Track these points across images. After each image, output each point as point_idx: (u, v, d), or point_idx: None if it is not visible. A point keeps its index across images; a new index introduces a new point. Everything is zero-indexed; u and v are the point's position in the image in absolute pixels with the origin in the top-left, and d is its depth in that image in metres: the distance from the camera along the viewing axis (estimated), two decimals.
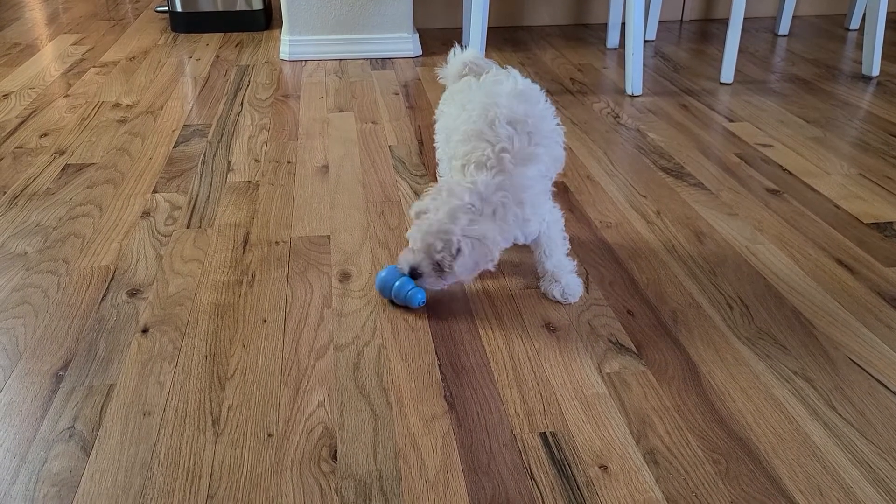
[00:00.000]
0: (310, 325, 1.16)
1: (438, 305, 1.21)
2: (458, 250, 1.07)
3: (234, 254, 1.36)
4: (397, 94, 2.23)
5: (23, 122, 2.00)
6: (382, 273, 1.20)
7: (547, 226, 1.18)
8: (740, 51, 2.56)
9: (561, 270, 1.20)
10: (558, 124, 1.19)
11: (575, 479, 0.88)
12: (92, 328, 1.15)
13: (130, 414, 0.98)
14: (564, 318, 1.17)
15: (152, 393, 1.02)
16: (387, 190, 1.61)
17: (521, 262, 1.33)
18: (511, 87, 1.16)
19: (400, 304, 1.19)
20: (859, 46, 2.68)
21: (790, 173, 1.68)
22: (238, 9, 2.93)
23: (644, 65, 2.46)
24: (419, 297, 1.17)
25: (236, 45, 2.77)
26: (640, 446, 0.93)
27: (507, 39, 2.82)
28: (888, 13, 3.08)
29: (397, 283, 1.17)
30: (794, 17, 3.03)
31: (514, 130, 1.11)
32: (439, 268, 1.10)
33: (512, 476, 0.89)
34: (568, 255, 1.22)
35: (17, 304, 1.21)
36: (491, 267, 1.12)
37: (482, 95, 1.16)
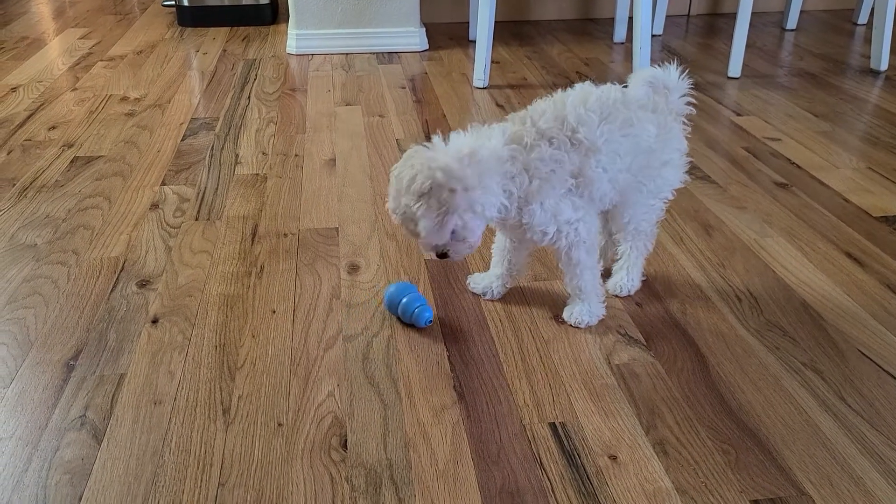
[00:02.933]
0: (319, 316, 1.16)
1: (447, 297, 1.21)
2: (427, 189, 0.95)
3: (243, 245, 1.36)
4: (404, 88, 2.23)
5: (31, 116, 2.01)
6: (391, 288, 1.15)
7: (567, 241, 1.06)
8: (748, 45, 2.55)
9: (580, 295, 1.13)
10: (617, 155, 1.05)
11: (584, 469, 0.88)
12: (102, 318, 1.16)
13: (141, 403, 0.99)
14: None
15: (163, 382, 1.02)
16: None
17: (530, 254, 1.32)
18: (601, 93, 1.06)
19: (407, 324, 1.14)
20: (867, 41, 2.67)
21: (798, 167, 1.68)
22: (245, 3, 2.93)
23: (651, 59, 2.46)
24: (426, 316, 1.12)
25: (243, 40, 2.77)
26: (649, 437, 0.93)
27: (513, 34, 2.82)
28: None
29: (404, 300, 1.12)
30: (801, 11, 3.02)
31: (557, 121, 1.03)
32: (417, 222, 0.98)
33: (522, 466, 0.89)
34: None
35: (28, 294, 1.22)
36: (470, 240, 1.01)
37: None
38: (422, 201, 0.96)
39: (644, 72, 1.12)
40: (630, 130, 1.05)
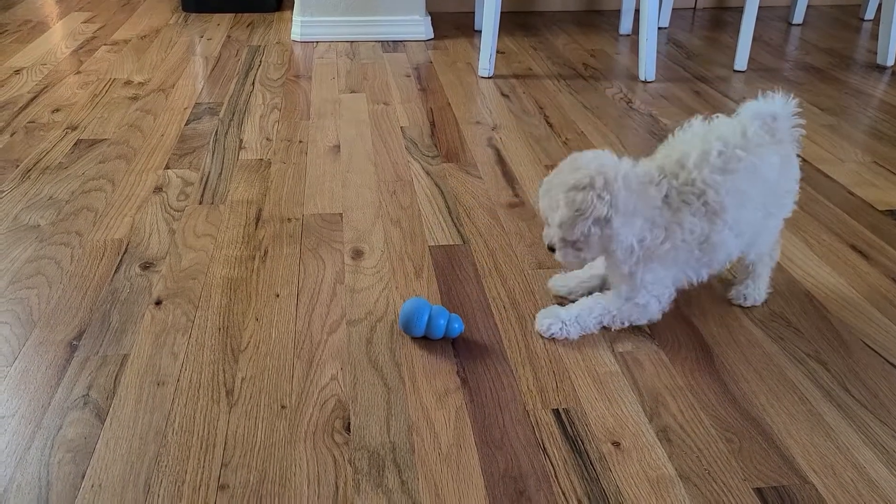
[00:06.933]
0: (322, 301, 1.16)
1: (451, 284, 1.21)
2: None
3: (247, 230, 1.36)
4: (409, 76, 2.22)
5: (35, 98, 2.00)
6: (407, 305, 1.06)
7: (643, 303, 1.06)
8: (754, 39, 2.54)
9: (579, 313, 1.09)
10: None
11: (588, 455, 0.88)
12: (105, 299, 1.16)
13: (144, 383, 0.99)
14: (577, 298, 1.17)
15: (166, 363, 1.02)
16: (399, 170, 1.61)
17: (534, 243, 1.32)
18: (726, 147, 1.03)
19: (434, 339, 1.07)
20: (874, 37, 2.66)
21: (804, 160, 1.67)
22: None
23: (657, 51, 2.45)
24: (456, 327, 1.06)
25: (248, 26, 2.76)
26: (652, 424, 0.93)
27: (519, 24, 2.80)
28: None
29: (433, 312, 1.05)
30: (808, 6, 3.01)
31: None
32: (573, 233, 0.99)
33: (525, 451, 0.89)
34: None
35: (31, 274, 1.22)
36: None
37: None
38: (570, 194, 0.98)
39: (751, 106, 1.08)
40: (755, 175, 1.03)
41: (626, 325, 1.09)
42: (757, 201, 1.05)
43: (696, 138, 1.05)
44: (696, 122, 1.08)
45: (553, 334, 1.08)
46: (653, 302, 1.07)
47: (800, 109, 1.09)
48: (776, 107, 1.07)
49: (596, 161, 1.00)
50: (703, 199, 1.02)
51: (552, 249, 1.05)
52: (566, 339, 1.08)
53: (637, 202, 0.99)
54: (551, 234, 1.03)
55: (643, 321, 1.09)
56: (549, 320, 1.08)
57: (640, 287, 1.05)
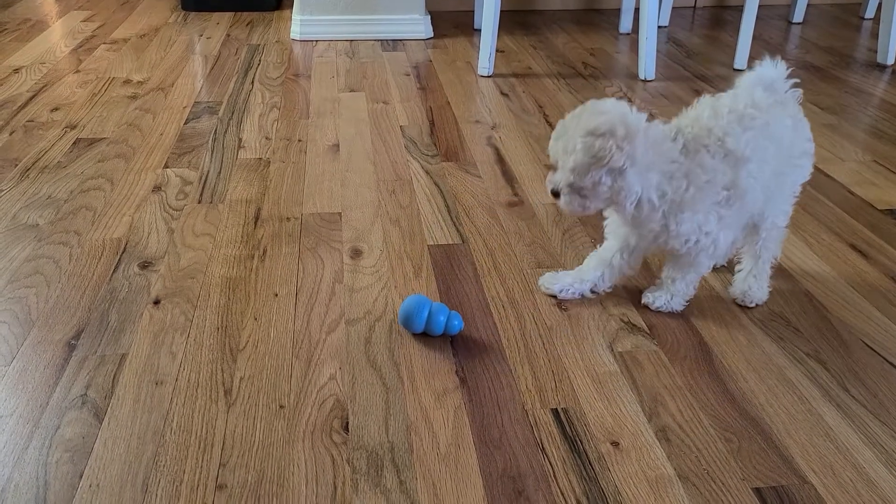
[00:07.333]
0: (321, 300, 1.16)
1: (449, 283, 1.21)
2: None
3: (246, 229, 1.36)
4: (408, 75, 2.22)
5: (34, 97, 2.00)
6: (407, 301, 1.07)
7: (699, 248, 1.05)
8: (754, 38, 2.53)
9: (671, 288, 1.12)
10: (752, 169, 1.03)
11: (587, 455, 0.88)
12: (104, 299, 1.15)
13: (143, 383, 0.98)
14: (576, 298, 1.17)
15: (164, 363, 1.02)
16: (398, 169, 1.60)
17: (534, 242, 1.32)
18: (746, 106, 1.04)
19: (434, 336, 1.07)
20: (874, 35, 2.66)
21: None
22: None
23: (657, 50, 2.45)
24: (456, 324, 1.06)
25: (247, 25, 2.75)
26: (651, 424, 0.93)
27: (519, 23, 2.80)
28: None
29: (433, 309, 1.05)
30: (808, 5, 3.00)
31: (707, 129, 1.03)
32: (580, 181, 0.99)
33: (523, 450, 0.89)
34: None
35: (30, 274, 1.21)
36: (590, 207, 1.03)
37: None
38: (588, 139, 0.96)
39: (748, 76, 1.09)
40: (770, 132, 1.04)
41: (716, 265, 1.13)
42: (771, 162, 1.05)
43: (705, 107, 1.06)
44: (704, 98, 1.09)
45: (659, 307, 1.13)
46: (706, 240, 1.04)
47: (791, 68, 1.10)
48: (773, 72, 1.09)
49: (618, 109, 0.99)
50: (722, 143, 1.01)
51: (556, 194, 1.03)
52: (672, 311, 1.13)
53: (654, 157, 0.99)
54: (559, 178, 1.01)
55: (709, 255, 1.08)
56: (652, 295, 1.14)
57: (677, 237, 1.04)
